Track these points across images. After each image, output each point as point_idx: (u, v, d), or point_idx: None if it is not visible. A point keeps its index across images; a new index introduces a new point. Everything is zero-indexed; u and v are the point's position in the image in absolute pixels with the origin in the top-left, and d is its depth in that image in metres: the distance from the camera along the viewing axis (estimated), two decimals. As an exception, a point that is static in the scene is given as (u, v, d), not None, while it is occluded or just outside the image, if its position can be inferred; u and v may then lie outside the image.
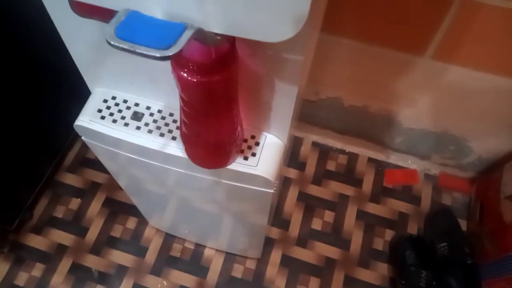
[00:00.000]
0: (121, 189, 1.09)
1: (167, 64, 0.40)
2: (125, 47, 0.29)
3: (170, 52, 0.29)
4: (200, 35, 0.33)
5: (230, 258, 1.13)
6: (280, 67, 0.45)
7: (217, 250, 1.13)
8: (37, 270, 1.10)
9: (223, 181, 0.63)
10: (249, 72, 0.47)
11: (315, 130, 1.26)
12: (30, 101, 1.02)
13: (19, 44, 0.91)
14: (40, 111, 1.07)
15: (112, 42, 0.29)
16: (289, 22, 0.31)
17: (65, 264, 1.11)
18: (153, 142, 0.59)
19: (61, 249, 1.13)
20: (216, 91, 0.43)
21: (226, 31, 0.33)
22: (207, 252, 1.13)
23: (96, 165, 1.24)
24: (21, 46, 0.92)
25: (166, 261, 1.12)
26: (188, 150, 0.56)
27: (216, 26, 0.33)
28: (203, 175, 0.63)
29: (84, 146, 1.26)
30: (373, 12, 0.80)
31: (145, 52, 0.29)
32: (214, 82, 0.40)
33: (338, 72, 1.00)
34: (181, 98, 0.45)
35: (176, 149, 0.59)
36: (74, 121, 0.61)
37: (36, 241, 1.14)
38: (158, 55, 0.29)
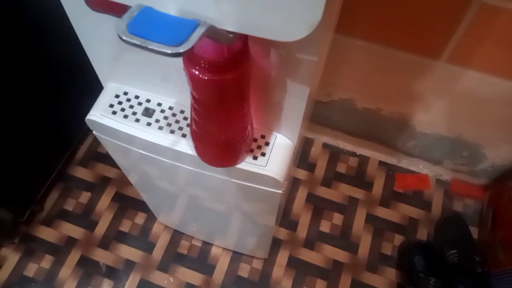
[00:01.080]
0: (131, 184, 1.09)
1: (180, 61, 0.40)
2: (137, 42, 0.29)
3: (182, 49, 0.29)
4: (213, 33, 0.32)
5: (237, 257, 1.12)
6: (293, 67, 0.44)
7: (224, 248, 1.13)
8: (46, 261, 1.12)
9: (231, 180, 0.63)
10: (261, 72, 0.46)
11: (326, 131, 1.26)
12: (44, 95, 1.03)
13: (33, 37, 0.92)
14: (53, 104, 1.08)
15: (124, 38, 0.29)
16: (303, 22, 0.30)
17: (73, 257, 1.12)
18: (163, 138, 0.59)
19: (70, 242, 1.14)
20: (227, 89, 0.42)
21: (239, 29, 0.33)
22: (214, 250, 1.13)
23: (107, 159, 1.25)
24: (35, 40, 0.93)
25: (174, 257, 1.12)
26: (197, 148, 0.55)
27: (229, 24, 0.33)
28: (212, 173, 0.63)
29: (96, 140, 1.27)
30: (389, 13, 0.79)
31: (156, 49, 0.29)
32: (225, 81, 0.40)
33: (351, 74, 0.99)
34: (192, 95, 0.45)
35: (186, 146, 0.59)
36: (86, 115, 0.62)
37: (46, 233, 1.15)
38: (169, 51, 0.28)
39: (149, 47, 0.29)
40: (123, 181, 1.22)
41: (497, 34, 0.75)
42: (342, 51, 0.92)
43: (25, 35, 0.90)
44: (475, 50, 0.80)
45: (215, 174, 0.63)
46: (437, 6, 0.74)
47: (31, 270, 1.11)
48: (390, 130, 1.14)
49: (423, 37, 0.81)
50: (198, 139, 0.53)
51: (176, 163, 0.64)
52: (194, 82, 0.42)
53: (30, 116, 1.02)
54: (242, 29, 0.33)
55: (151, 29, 0.30)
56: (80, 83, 1.06)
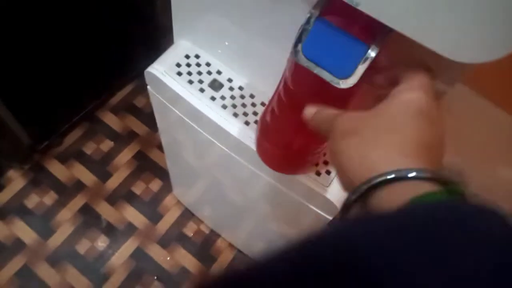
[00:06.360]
0: (156, 147, 1.03)
1: (275, 46, 0.34)
2: (310, 67, 0.31)
3: (350, 83, 0.30)
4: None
5: (240, 257, 1.05)
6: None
7: (230, 244, 1.06)
8: (49, 198, 1.06)
9: (280, 186, 0.56)
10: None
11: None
12: (102, 31, 0.97)
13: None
14: (106, 43, 1.01)
15: (299, 61, 0.31)
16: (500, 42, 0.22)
17: (77, 202, 1.07)
18: (223, 119, 0.52)
19: (78, 186, 1.09)
20: (334, 94, 0.34)
21: (411, 34, 0.25)
22: (220, 242, 1.06)
23: (140, 115, 1.18)
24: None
25: (177, 236, 1.06)
26: (260, 144, 0.48)
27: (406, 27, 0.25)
28: (262, 174, 0.56)
29: (135, 91, 1.21)
30: None
31: (328, 80, 0.30)
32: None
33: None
34: (285, 85, 0.37)
35: (245, 136, 0.51)
36: (135, 64, 0.55)
37: (57, 169, 1.10)
38: (342, 86, 0.30)
39: (321, 75, 0.31)
40: (150, 141, 1.16)
41: None
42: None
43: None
44: None
45: (266, 176, 0.56)
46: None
47: (32, 201, 1.06)
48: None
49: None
50: (266, 134, 0.45)
51: (227, 150, 0.57)
52: (298, 72, 0.34)
53: (82, 46, 0.96)
54: (415, 35, 0.25)
55: (324, 51, 0.31)
56: (142, 32, 0.99)
